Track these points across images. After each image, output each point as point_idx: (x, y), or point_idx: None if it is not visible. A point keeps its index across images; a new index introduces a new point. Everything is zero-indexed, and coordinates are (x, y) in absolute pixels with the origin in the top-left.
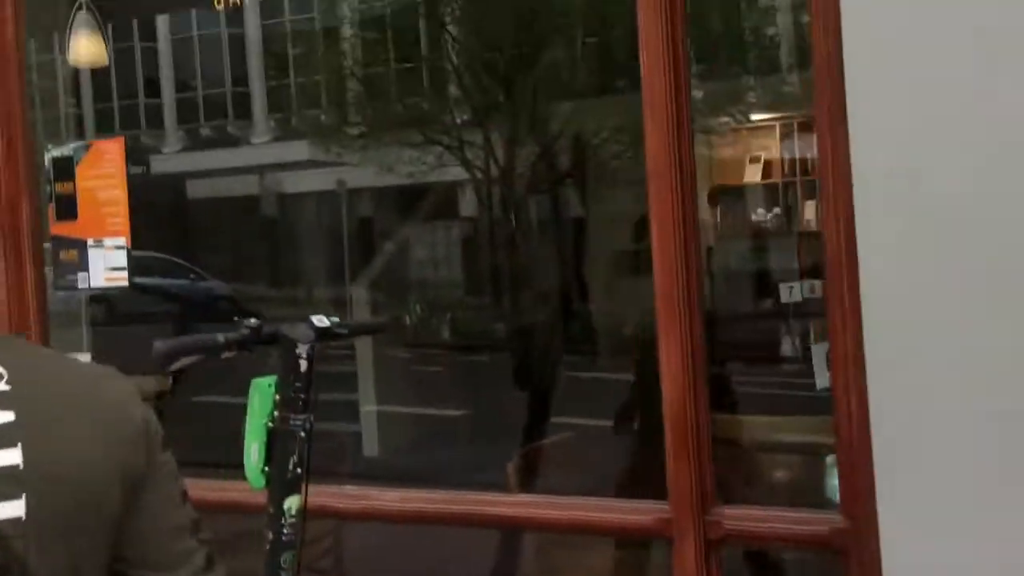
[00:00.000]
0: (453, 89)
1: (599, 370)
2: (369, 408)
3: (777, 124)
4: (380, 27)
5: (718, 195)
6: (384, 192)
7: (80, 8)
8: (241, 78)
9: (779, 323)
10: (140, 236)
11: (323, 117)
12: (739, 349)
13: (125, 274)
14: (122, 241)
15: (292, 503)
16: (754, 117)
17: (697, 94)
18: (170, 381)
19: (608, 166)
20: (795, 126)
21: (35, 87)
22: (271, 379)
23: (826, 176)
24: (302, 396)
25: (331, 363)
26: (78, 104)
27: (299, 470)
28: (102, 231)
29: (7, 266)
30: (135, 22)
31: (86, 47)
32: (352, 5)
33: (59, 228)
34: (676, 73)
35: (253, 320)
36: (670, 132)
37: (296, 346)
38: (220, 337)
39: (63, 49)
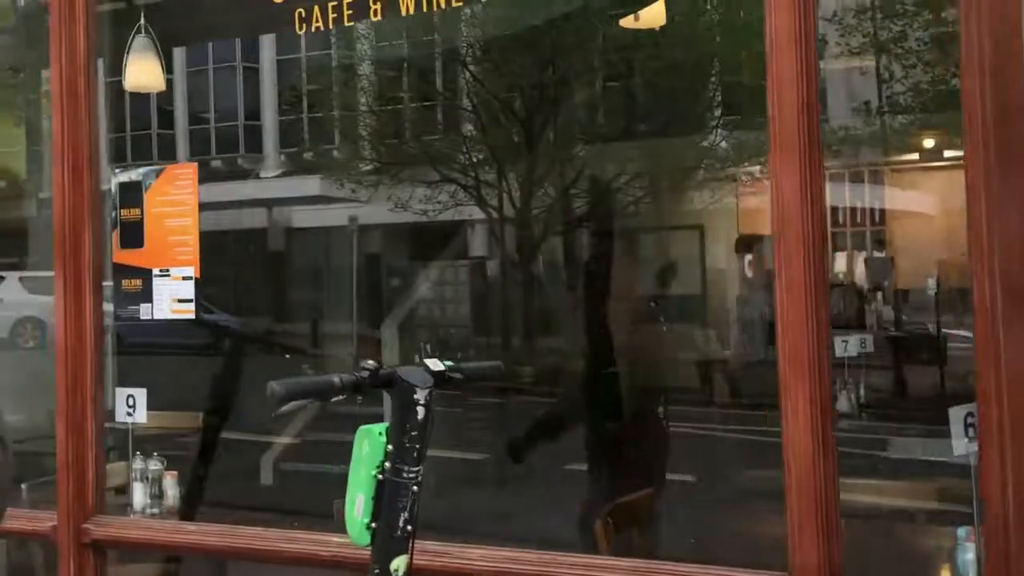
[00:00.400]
0: (470, 128)
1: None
2: None
3: None
4: (397, 65)
5: (747, 245)
6: (396, 229)
7: (139, 32)
8: (254, 112)
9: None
10: None
11: (336, 153)
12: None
13: (193, 306)
14: (191, 271)
15: (399, 564)
16: None
17: (724, 144)
18: (200, 418)
19: (628, 210)
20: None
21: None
22: (382, 427)
23: (978, 225)
24: (417, 446)
25: (350, 403)
26: None
27: (409, 527)
28: (170, 260)
29: (66, 296)
30: None
31: (145, 71)
32: (371, 42)
33: (123, 256)
34: (810, 116)
35: (370, 362)
36: (803, 180)
37: (415, 391)
38: (336, 380)
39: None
